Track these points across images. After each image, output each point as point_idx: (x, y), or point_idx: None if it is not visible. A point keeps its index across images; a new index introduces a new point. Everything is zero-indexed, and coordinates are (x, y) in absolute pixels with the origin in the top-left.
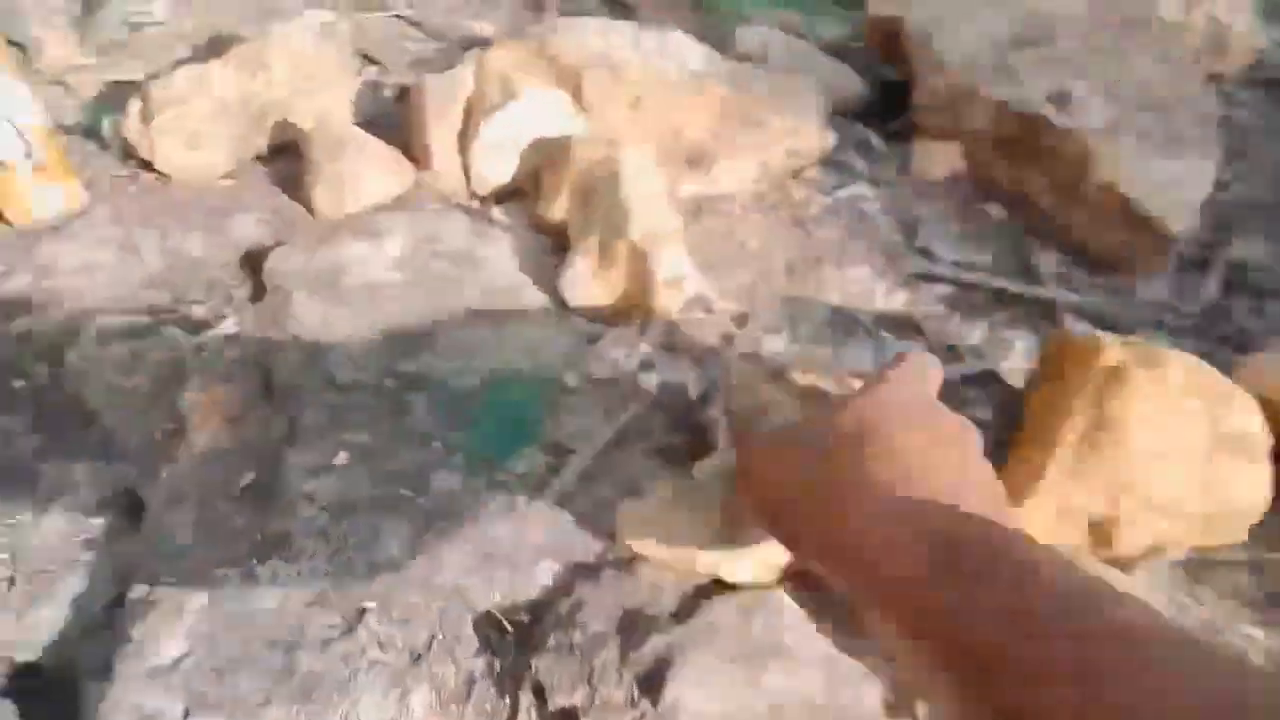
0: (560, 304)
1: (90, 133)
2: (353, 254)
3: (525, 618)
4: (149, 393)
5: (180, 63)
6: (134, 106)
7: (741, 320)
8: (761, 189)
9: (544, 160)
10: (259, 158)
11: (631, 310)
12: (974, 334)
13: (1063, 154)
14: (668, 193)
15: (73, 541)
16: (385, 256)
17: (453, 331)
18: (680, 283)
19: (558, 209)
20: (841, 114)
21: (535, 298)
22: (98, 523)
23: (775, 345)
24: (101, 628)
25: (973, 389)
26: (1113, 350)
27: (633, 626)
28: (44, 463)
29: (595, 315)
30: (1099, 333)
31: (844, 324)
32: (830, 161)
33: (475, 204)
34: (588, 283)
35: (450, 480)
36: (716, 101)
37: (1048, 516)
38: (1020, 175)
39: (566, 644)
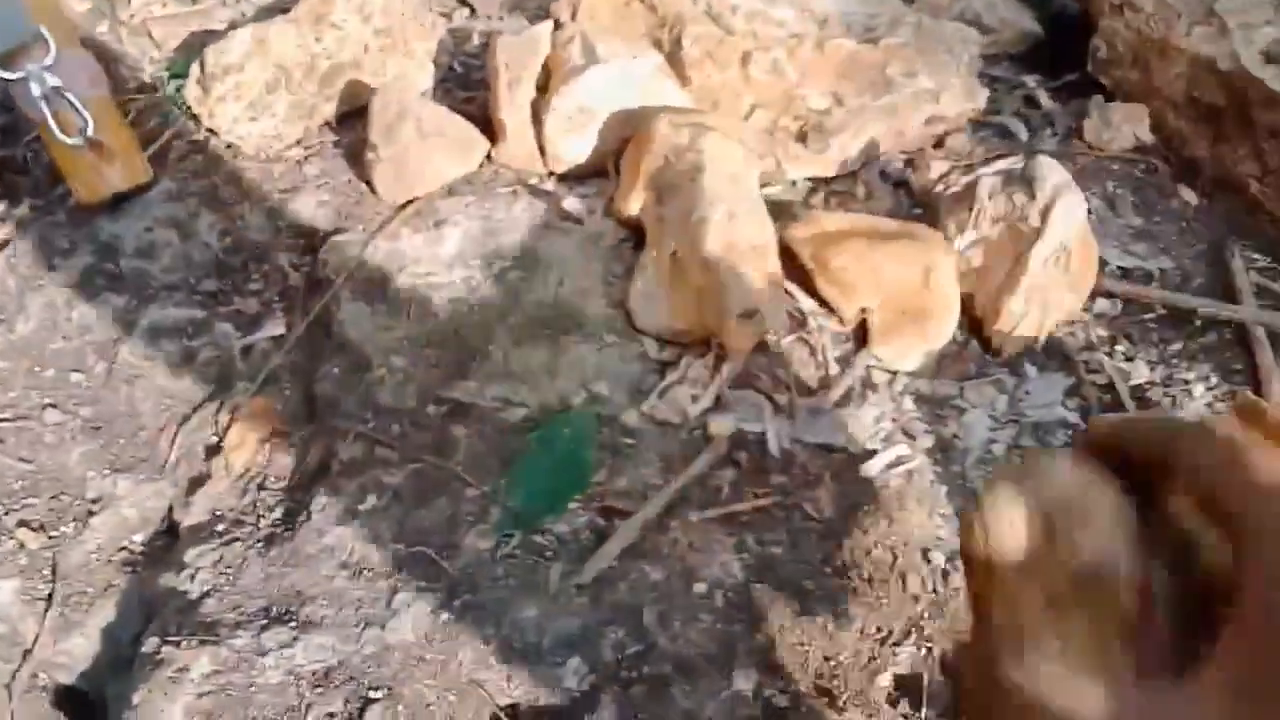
0: (629, 320)
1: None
2: (409, 248)
3: None
4: (195, 398)
5: (264, 12)
6: (194, 72)
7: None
8: (894, 164)
9: (627, 137)
10: (330, 123)
11: (708, 337)
12: (1140, 369)
13: None
14: (760, 192)
15: (110, 563)
16: (444, 252)
17: (506, 349)
18: (757, 316)
19: (634, 202)
20: (1006, 58)
21: (601, 310)
22: (137, 541)
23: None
24: (127, 661)
25: None
26: None
27: None
28: (91, 471)
29: (666, 338)
30: None
31: (972, 354)
32: (984, 123)
33: (551, 184)
34: (657, 301)
35: (482, 541)
36: (841, 58)
37: None
38: (1225, 154)
39: None
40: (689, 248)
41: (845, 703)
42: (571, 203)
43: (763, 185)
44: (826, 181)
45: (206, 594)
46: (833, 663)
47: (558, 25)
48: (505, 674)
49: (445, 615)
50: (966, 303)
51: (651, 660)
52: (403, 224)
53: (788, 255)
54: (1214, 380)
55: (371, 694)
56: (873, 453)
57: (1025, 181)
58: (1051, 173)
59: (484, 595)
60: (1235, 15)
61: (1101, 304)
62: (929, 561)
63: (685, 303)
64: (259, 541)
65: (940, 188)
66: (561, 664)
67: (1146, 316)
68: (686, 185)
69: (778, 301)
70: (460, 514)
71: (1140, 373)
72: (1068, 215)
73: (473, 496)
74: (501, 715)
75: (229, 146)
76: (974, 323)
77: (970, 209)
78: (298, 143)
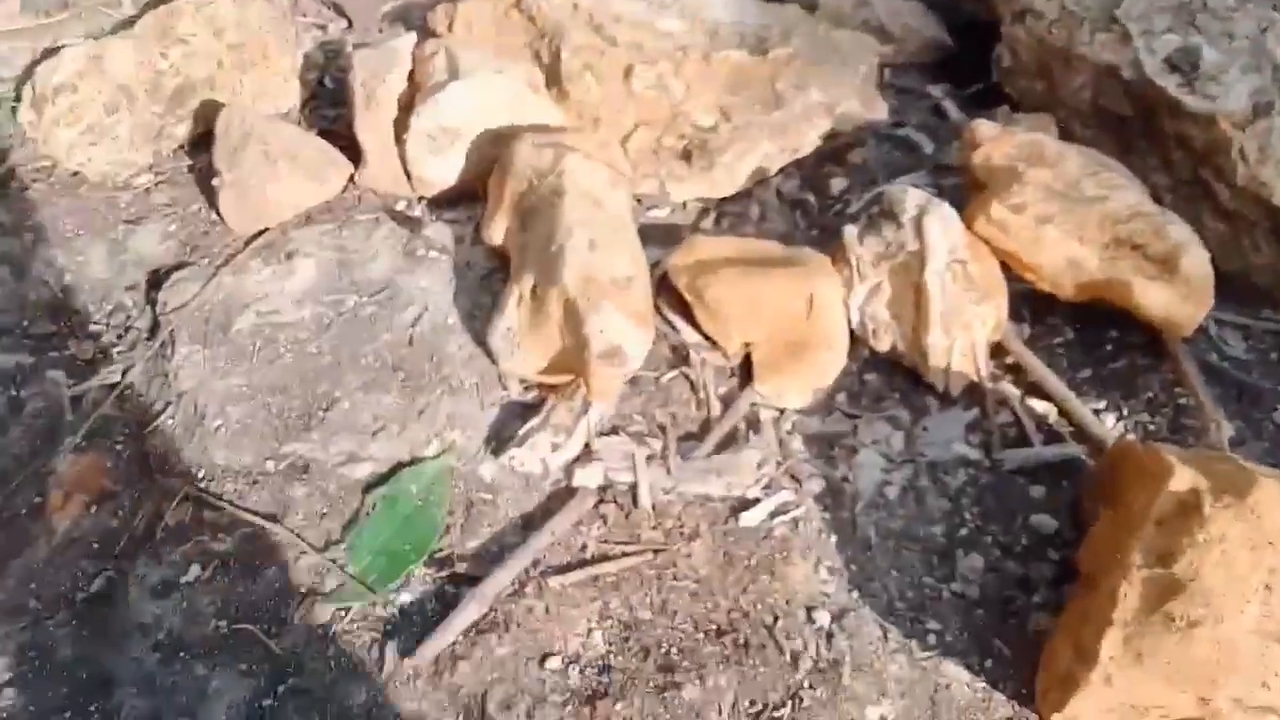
0: (492, 360)
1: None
2: (255, 284)
3: None
4: (22, 453)
5: (122, 25)
6: (26, 93)
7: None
8: (790, 183)
9: (495, 157)
10: (184, 147)
11: (575, 378)
12: (1046, 404)
13: (1189, 142)
14: (630, 218)
15: None
16: (293, 287)
17: (355, 396)
18: (619, 356)
19: (499, 228)
20: (914, 67)
21: (462, 350)
22: None
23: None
24: None
25: (1041, 483)
26: (1183, 474)
27: None
28: None
29: (531, 381)
30: (1165, 451)
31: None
32: (888, 136)
33: (419, 210)
34: (520, 339)
35: (316, 614)
36: (728, 71)
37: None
38: (1134, 164)
39: None
40: (547, 280)
41: None
42: (436, 230)
43: (648, 208)
44: (719, 203)
45: (8, 683)
46: None
47: (430, 36)
48: None
49: (266, 703)
50: (895, 359)
51: None
52: (251, 256)
53: (670, 285)
54: (1125, 410)
55: None
56: (755, 501)
57: (888, 215)
58: (908, 195)
59: (311, 679)
60: (1137, 22)
61: (1010, 327)
62: (813, 621)
63: (547, 341)
64: (74, 619)
65: (839, 206)
66: None
67: (1055, 341)
68: (546, 211)
69: (643, 339)
70: (293, 584)
71: (1047, 407)
72: (943, 224)
73: (309, 564)
74: None
75: (75, 174)
76: (908, 375)
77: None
78: (149, 168)
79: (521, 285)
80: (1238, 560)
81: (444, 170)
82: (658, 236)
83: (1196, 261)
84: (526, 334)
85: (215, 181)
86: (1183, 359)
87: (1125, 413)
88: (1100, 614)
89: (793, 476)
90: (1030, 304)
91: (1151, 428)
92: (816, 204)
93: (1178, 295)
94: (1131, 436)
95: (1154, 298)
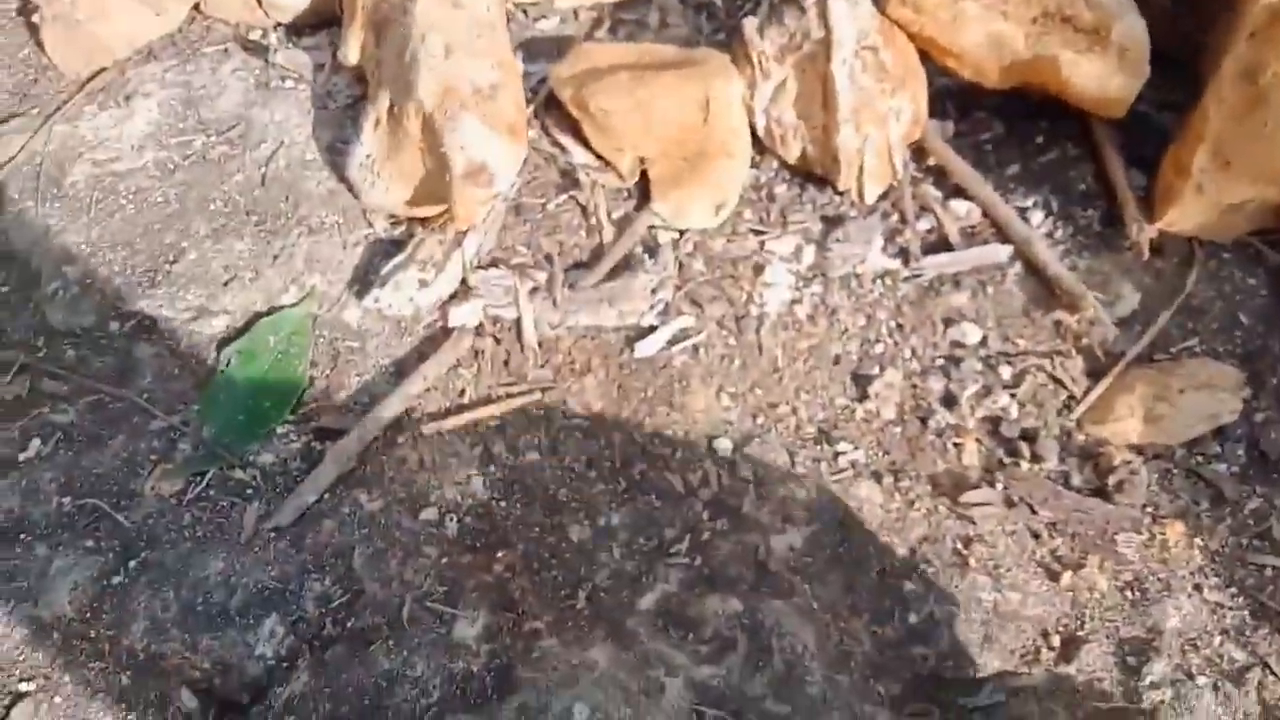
0: (354, 195)
1: None
2: (90, 131)
3: (245, 698)
4: None
5: None
6: None
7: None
8: None
9: None
10: None
11: (446, 210)
12: (971, 208)
13: None
14: (496, 18)
15: None
16: (132, 131)
17: (204, 245)
18: (484, 175)
19: (354, 46)
20: None
21: (323, 186)
22: None
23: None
24: None
25: (963, 290)
26: None
27: None
28: None
29: (397, 215)
30: None
31: None
32: None
33: (273, 38)
34: (379, 167)
35: (168, 484)
36: None
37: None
38: None
39: None
40: (403, 95)
41: (594, 640)
42: (291, 57)
43: (535, 20)
44: (614, 9)
45: None
46: (586, 589)
47: None
48: (189, 644)
49: (116, 580)
50: (806, 169)
51: (358, 612)
52: (86, 101)
53: (558, 102)
54: (1055, 206)
55: (22, 686)
56: (651, 329)
57: (790, 1)
58: None
59: (165, 551)
60: None
61: (932, 125)
62: (714, 451)
63: (408, 167)
64: None
65: (748, 6)
66: (255, 626)
67: (983, 137)
68: (400, 18)
69: (512, 155)
70: (142, 453)
71: (970, 209)
72: (850, 7)
73: (158, 430)
74: (181, 699)
75: None
76: (821, 184)
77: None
78: None
79: (378, 106)
80: None
81: None
82: (545, 50)
83: (1129, 29)
84: (386, 161)
85: (35, 18)
86: (1108, 146)
87: (1055, 208)
88: (1194, 130)
89: (693, 301)
90: (955, 99)
91: (1083, 222)
92: (723, 5)
93: (1109, 67)
94: None
95: (1084, 72)
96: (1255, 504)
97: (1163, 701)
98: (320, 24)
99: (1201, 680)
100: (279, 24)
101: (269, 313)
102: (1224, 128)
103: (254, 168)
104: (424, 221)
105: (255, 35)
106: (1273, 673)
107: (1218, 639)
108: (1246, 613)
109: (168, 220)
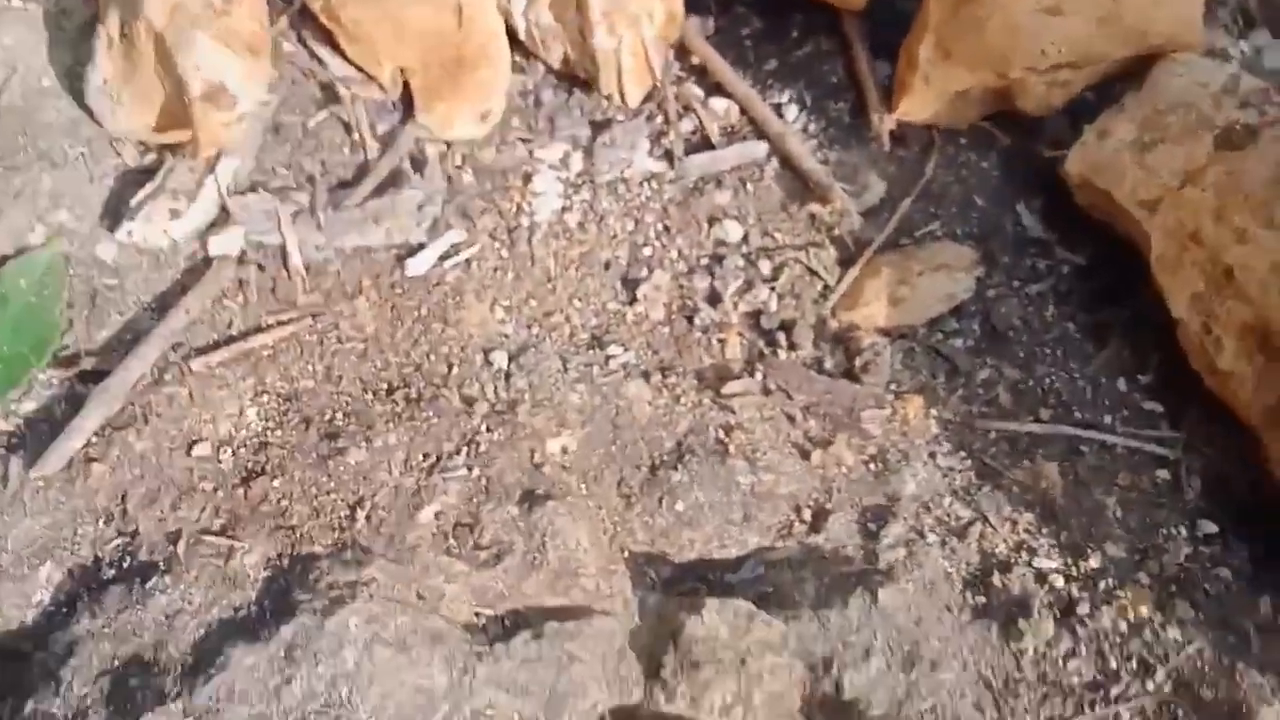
0: (97, 123)
1: None
2: None
3: (28, 646)
4: None
5: None
6: None
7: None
8: None
9: None
10: None
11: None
12: (730, 106)
13: None
14: None
15: None
16: None
17: None
18: (224, 96)
19: None
20: None
21: (63, 115)
22: None
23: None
24: None
25: (726, 188)
26: None
27: (127, 693)
28: None
29: (146, 142)
30: None
31: None
32: None
33: None
34: (117, 92)
35: None
36: None
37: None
38: None
39: (47, 713)
40: (132, 13)
41: (373, 558)
42: None
43: None
44: None
45: None
46: (365, 509)
47: None
48: None
49: None
50: (570, 73)
51: (134, 552)
52: None
53: (311, 13)
54: (809, 100)
55: None
56: (421, 246)
57: None
58: None
59: None
60: None
61: (693, 21)
62: (490, 364)
63: (147, 90)
64: None
65: None
66: (30, 576)
67: (743, 33)
68: None
69: (254, 73)
70: None
71: (729, 106)
72: None
73: None
74: None
75: None
76: (587, 88)
77: None
78: None
79: (109, 25)
80: None
81: None
82: None
83: None
84: (124, 85)
85: None
86: (856, 39)
87: (808, 102)
88: (921, 22)
89: (463, 214)
90: None
91: (833, 115)
92: None
93: None
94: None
95: None
96: (985, 374)
97: (897, 560)
98: None
99: (931, 538)
100: None
101: (17, 254)
102: (943, 19)
103: None
104: (174, 148)
105: None
106: (991, 525)
107: (948, 500)
108: (973, 474)
109: None
